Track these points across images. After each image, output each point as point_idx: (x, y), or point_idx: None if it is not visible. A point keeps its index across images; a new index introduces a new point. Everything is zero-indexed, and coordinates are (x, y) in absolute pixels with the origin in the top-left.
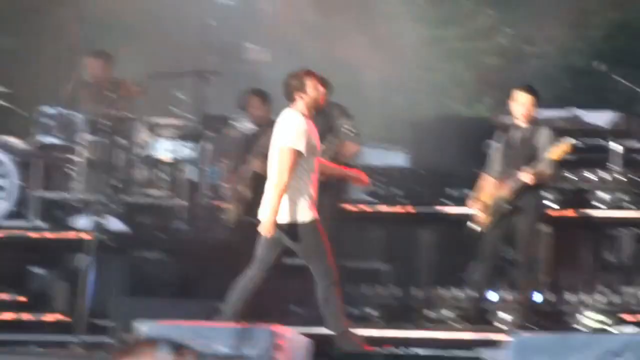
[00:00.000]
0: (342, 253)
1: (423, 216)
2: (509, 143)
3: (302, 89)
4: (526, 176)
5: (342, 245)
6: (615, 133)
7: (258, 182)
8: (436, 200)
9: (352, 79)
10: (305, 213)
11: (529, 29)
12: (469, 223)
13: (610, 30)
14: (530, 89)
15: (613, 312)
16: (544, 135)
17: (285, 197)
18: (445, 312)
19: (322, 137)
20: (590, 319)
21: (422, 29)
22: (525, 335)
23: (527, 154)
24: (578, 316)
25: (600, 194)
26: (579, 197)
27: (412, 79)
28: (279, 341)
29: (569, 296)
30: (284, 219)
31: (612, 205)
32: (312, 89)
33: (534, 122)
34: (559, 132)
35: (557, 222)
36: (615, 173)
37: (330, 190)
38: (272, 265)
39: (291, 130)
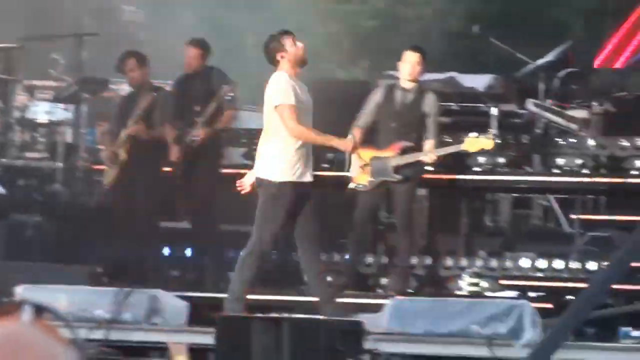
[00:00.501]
0: (222, 217)
1: None
2: (391, 102)
3: (281, 48)
4: (430, 157)
5: (221, 209)
6: (492, 96)
7: (135, 144)
8: (315, 164)
9: (231, 42)
10: (277, 173)
11: None
12: (350, 184)
13: None
14: (417, 48)
15: (492, 278)
16: (430, 100)
17: (268, 152)
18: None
19: (202, 102)
20: (469, 284)
21: None
22: (404, 300)
23: (411, 117)
24: (457, 281)
25: (479, 158)
26: (458, 162)
27: None
28: (158, 305)
29: (448, 261)
30: (259, 173)
31: (490, 170)
32: (291, 46)
33: (419, 84)
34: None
35: (435, 187)
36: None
37: (208, 154)
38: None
39: (278, 88)
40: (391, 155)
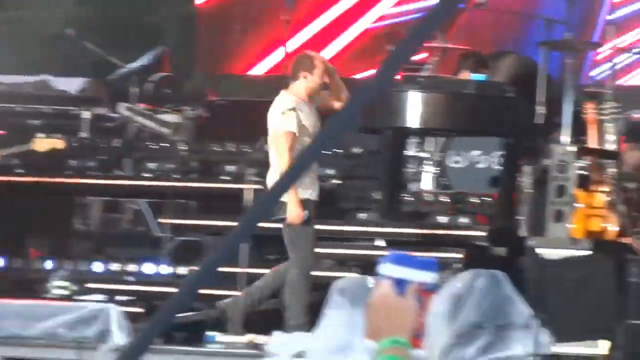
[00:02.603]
0: None
1: None
2: None
3: (309, 69)
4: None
5: None
6: (84, 100)
7: None
8: None
9: None
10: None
11: None
12: None
13: None
14: None
15: (81, 281)
16: None
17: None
18: None
19: None
20: (57, 287)
21: None
22: None
23: None
24: (46, 284)
25: (70, 160)
26: (49, 163)
27: None
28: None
29: (36, 264)
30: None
31: (80, 173)
32: (320, 73)
33: None
34: (28, 98)
35: (26, 189)
36: (84, 140)
37: None
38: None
39: (280, 112)
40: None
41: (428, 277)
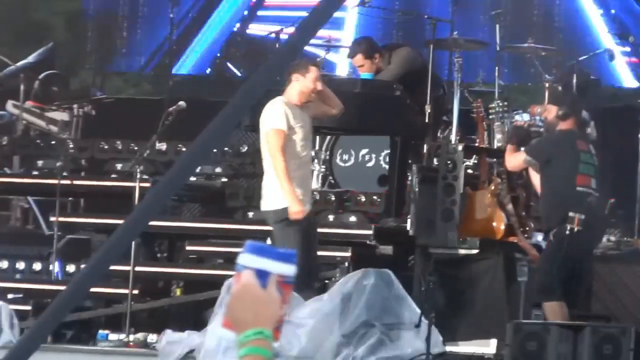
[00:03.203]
0: None
1: None
2: None
3: (302, 72)
4: None
5: None
6: None
7: None
8: None
9: None
10: (280, 200)
11: None
12: None
13: None
14: None
15: None
16: None
17: (267, 184)
18: None
19: None
20: None
21: None
22: None
23: None
24: None
25: None
26: None
27: None
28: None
29: None
30: (264, 207)
31: None
32: (313, 78)
33: None
34: None
35: None
36: None
37: None
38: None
39: (272, 113)
40: None
41: (287, 269)
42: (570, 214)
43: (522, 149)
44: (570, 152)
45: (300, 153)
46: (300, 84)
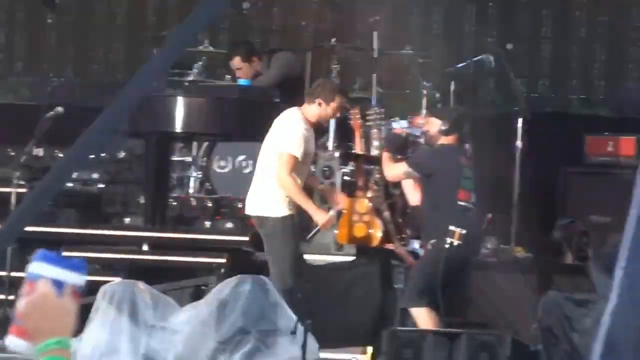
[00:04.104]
0: None
1: None
2: None
3: (328, 100)
4: None
5: None
6: None
7: None
8: None
9: None
10: (277, 208)
11: None
12: None
13: None
14: None
15: None
16: None
17: (260, 189)
18: None
19: None
20: None
21: None
22: None
23: None
24: None
25: None
26: None
27: None
28: None
29: None
30: (255, 211)
31: None
32: (334, 108)
33: None
34: None
35: None
36: None
37: None
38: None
39: (293, 135)
40: None
41: (79, 279)
42: (451, 227)
43: (405, 160)
44: (452, 168)
45: (302, 173)
46: (321, 110)
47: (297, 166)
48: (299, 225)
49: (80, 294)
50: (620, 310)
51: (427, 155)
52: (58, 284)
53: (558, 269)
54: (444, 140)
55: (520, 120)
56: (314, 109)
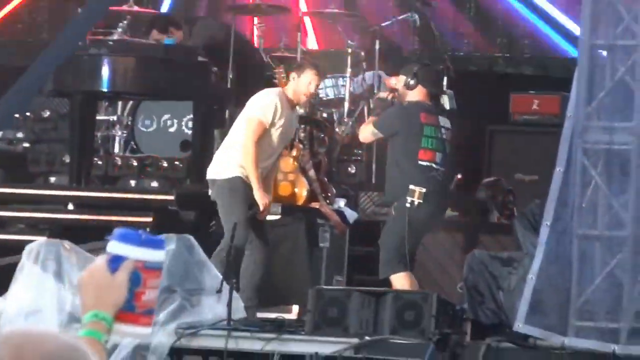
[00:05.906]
0: None
1: None
2: None
3: (299, 72)
4: None
5: None
6: None
7: None
8: None
9: None
10: (227, 170)
11: None
12: None
13: None
14: None
15: None
16: None
17: (228, 157)
18: None
19: None
20: None
21: None
22: None
23: None
24: None
25: None
26: None
27: None
28: None
29: None
30: (208, 175)
31: None
32: (307, 83)
33: None
34: None
35: None
36: None
37: None
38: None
39: (263, 102)
40: None
41: (149, 254)
42: (411, 186)
43: (372, 122)
44: (412, 126)
45: (274, 147)
46: (294, 84)
47: (266, 136)
48: (249, 189)
49: (154, 269)
50: (546, 270)
51: (391, 115)
52: (115, 260)
53: (484, 228)
54: (411, 96)
55: (445, 79)
56: (290, 84)
